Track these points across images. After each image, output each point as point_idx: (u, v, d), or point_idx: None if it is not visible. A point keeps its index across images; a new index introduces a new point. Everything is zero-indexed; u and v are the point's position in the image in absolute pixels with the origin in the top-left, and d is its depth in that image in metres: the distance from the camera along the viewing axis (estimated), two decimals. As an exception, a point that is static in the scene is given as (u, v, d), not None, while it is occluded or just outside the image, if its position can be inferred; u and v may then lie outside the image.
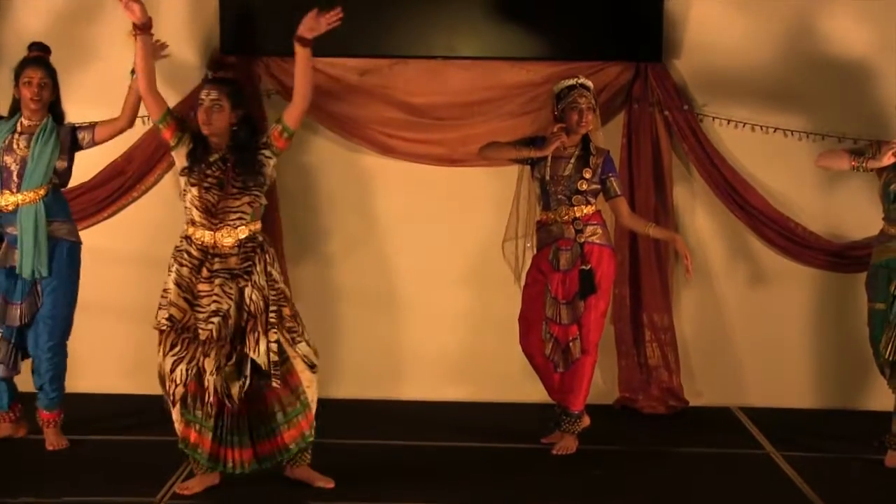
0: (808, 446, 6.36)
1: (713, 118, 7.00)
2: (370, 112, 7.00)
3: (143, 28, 5.34)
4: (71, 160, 6.14)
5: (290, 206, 7.06)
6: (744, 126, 6.99)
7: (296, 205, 7.08)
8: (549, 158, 5.99)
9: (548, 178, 6.01)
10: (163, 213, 6.95)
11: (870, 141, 6.32)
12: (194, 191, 5.26)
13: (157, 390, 7.00)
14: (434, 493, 5.52)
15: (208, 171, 5.26)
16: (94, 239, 6.99)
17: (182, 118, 5.47)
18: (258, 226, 5.35)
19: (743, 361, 7.12)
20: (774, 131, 6.98)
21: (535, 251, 6.23)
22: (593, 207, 6.04)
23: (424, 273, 7.07)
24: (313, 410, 5.43)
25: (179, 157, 5.34)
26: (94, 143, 6.15)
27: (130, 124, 6.13)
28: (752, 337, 7.11)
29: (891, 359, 5.97)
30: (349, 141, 7.03)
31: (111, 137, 6.17)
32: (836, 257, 7.01)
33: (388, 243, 7.07)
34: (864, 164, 6.08)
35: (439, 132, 7.02)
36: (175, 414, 5.37)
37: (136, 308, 7.01)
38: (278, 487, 5.51)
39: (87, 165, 6.92)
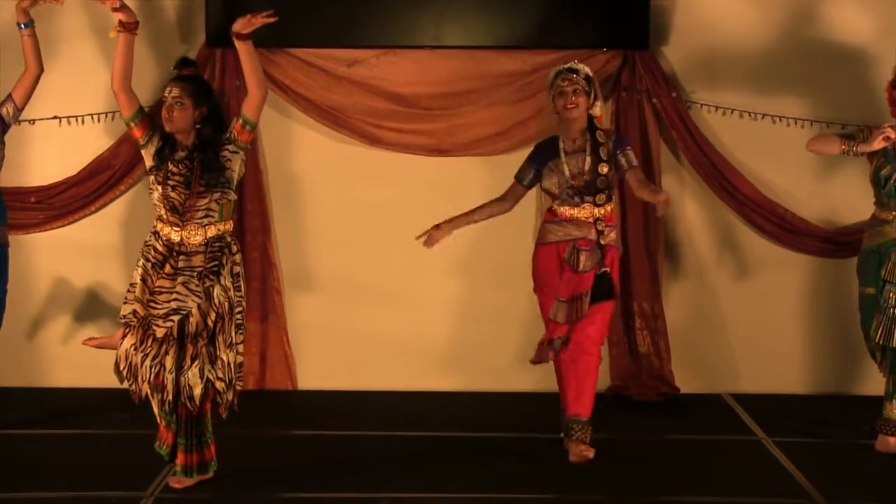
0: (800, 432, 6.36)
1: (701, 105, 6.99)
2: (357, 103, 6.99)
3: (129, 27, 5.31)
4: (3, 144, 6.05)
5: (278, 198, 7.05)
6: (732, 113, 6.98)
7: (284, 197, 7.06)
8: (564, 155, 5.76)
9: (568, 174, 5.73)
10: (150, 207, 6.91)
11: (860, 126, 6.30)
12: (160, 189, 5.25)
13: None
14: (424, 484, 5.49)
15: (174, 170, 5.24)
16: (81, 233, 7.02)
17: (152, 116, 5.44)
18: (228, 226, 5.33)
19: (734, 348, 7.11)
20: (763, 118, 6.97)
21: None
22: (612, 206, 5.83)
23: (413, 264, 7.03)
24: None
25: (147, 156, 5.32)
26: (19, 111, 6.06)
27: (40, 68, 6.02)
28: (742, 323, 7.10)
29: (881, 343, 5.97)
30: (337, 132, 7.01)
31: (31, 91, 6.05)
32: (827, 243, 7.01)
33: (376, 234, 7.05)
34: (854, 149, 6.07)
35: (427, 122, 7.02)
36: (156, 408, 5.36)
37: (121, 302, 7.01)
38: (270, 480, 5.49)
39: (73, 160, 6.91)
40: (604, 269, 5.73)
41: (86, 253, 7.03)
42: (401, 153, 7.02)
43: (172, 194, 5.22)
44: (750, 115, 6.98)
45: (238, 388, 5.33)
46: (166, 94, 5.25)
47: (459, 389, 7.07)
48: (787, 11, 6.98)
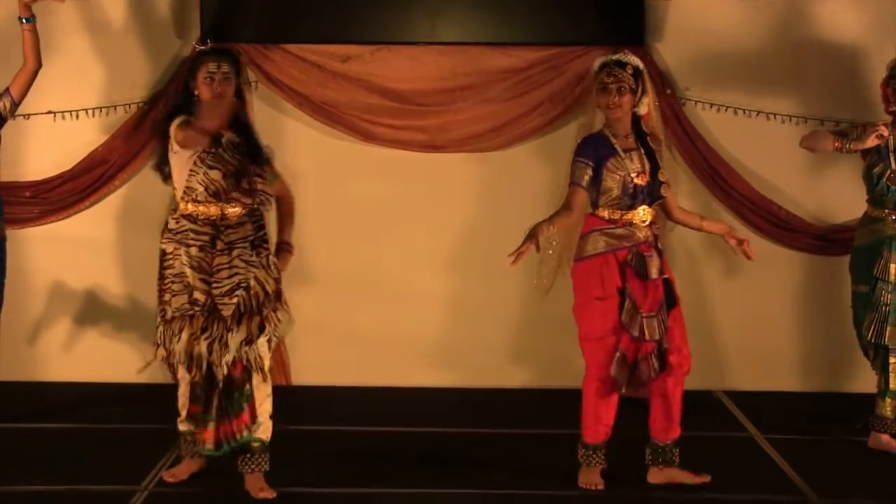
0: (792, 429, 6.37)
1: (696, 102, 6.99)
2: (352, 99, 6.99)
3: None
4: (0, 139, 6.03)
5: (272, 193, 7.05)
6: (726, 110, 6.99)
7: (278, 192, 7.07)
8: (621, 151, 5.27)
9: (634, 173, 5.27)
10: (145, 201, 6.93)
11: (854, 123, 6.31)
12: (212, 174, 5.02)
13: (137, 378, 7.00)
14: (416, 479, 5.52)
15: (226, 156, 5.04)
16: (76, 228, 7.01)
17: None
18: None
19: (726, 345, 7.12)
20: (757, 115, 6.98)
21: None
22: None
23: (405, 259, 7.06)
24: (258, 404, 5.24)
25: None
26: (16, 105, 6.01)
27: (39, 63, 5.99)
28: (735, 321, 7.11)
29: (874, 341, 5.99)
30: (331, 128, 7.01)
31: (29, 86, 6.00)
32: (820, 240, 7.02)
33: (370, 230, 7.06)
34: (848, 146, 6.06)
35: (421, 119, 7.02)
36: (184, 388, 5.16)
37: (117, 296, 7.02)
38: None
39: (67, 155, 6.91)
40: (665, 276, 5.37)
41: (81, 247, 7.02)
42: (395, 149, 7.02)
43: (222, 181, 5.04)
44: (744, 112, 6.99)
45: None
46: (213, 70, 5.05)
47: (451, 385, 7.07)
48: (781, 9, 6.99)
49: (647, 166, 5.30)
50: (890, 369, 5.99)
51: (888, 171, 5.99)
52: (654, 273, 5.27)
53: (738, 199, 6.99)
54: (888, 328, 5.94)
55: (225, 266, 5.05)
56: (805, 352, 7.16)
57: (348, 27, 6.93)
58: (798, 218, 7.02)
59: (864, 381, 6.61)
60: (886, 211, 6.01)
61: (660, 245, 5.39)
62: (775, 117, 6.97)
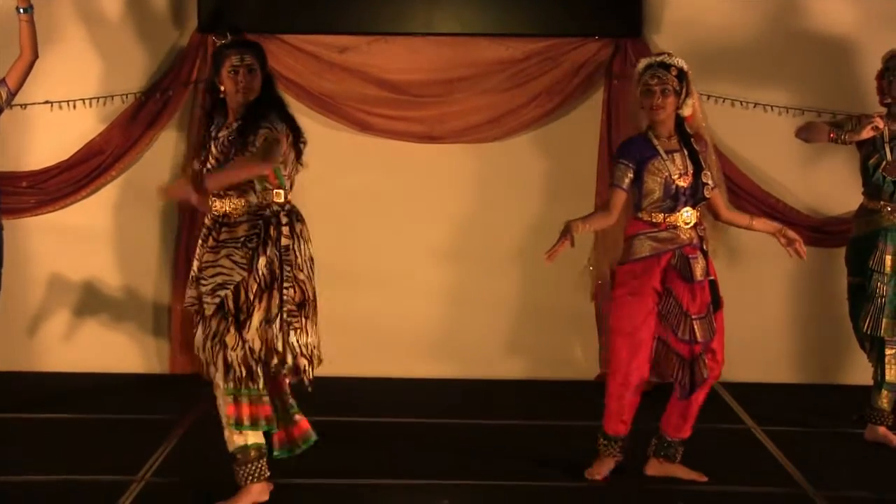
0: (789, 421, 6.38)
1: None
2: (349, 89, 6.99)
3: None
4: None
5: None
6: (724, 101, 6.99)
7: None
8: (663, 152, 5.23)
9: (676, 174, 5.22)
10: (142, 192, 6.93)
11: (850, 114, 6.31)
12: (196, 166, 5.00)
13: (134, 368, 7.01)
14: (412, 470, 5.53)
15: (214, 151, 4.94)
16: (73, 218, 7.00)
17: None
18: (276, 196, 5.01)
19: (723, 337, 7.13)
20: (755, 107, 6.98)
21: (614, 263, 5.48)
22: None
23: (403, 250, 7.05)
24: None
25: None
26: (13, 96, 6.04)
27: (36, 54, 6.00)
28: (732, 312, 7.02)
29: (870, 333, 6.00)
30: (328, 118, 7.01)
31: (25, 76, 6.02)
32: (817, 232, 7.02)
33: (367, 221, 7.06)
34: (843, 137, 6.06)
35: (418, 109, 7.02)
36: (225, 384, 4.95)
37: (115, 286, 7.01)
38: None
39: (64, 145, 6.91)
40: (710, 278, 5.36)
41: (78, 237, 7.02)
42: (392, 140, 7.02)
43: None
44: (742, 104, 6.99)
45: (306, 364, 5.22)
46: (237, 63, 4.90)
47: (450, 376, 7.08)
48: (778, 1, 6.99)
49: (690, 168, 5.25)
50: (886, 361, 6.01)
51: (884, 163, 6.00)
52: (698, 274, 5.25)
53: (736, 191, 6.96)
54: (884, 320, 5.96)
55: (210, 264, 4.92)
56: (801, 344, 7.17)
57: (346, 17, 6.93)
58: (794, 210, 7.03)
59: (861, 373, 6.61)
60: (882, 202, 6.01)
61: (706, 246, 5.35)
62: (772, 109, 6.98)
